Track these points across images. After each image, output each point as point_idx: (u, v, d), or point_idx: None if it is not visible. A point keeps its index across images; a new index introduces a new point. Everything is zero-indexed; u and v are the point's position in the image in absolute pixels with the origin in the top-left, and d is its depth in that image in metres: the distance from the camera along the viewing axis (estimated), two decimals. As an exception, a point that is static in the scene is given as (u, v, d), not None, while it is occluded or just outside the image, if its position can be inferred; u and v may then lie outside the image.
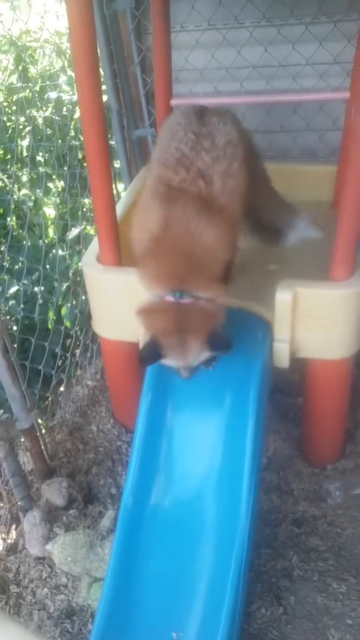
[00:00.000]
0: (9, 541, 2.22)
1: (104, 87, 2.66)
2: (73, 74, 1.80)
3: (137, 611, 1.62)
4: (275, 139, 3.06)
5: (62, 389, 2.84)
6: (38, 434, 2.27)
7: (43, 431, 2.42)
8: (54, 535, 2.08)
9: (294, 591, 1.90)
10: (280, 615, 1.83)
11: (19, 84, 3.20)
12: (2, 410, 2.15)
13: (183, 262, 1.58)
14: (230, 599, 1.57)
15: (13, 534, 2.24)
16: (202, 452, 1.80)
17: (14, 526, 2.25)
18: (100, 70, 2.53)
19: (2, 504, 2.26)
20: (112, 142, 2.96)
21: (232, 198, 1.70)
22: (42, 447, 2.31)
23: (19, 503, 2.21)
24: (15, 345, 2.23)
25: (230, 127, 1.80)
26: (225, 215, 1.66)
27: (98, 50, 1.77)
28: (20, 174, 3.37)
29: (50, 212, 3.38)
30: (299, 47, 2.74)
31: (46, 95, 3.23)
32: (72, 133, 3.25)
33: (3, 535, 2.23)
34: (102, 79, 2.57)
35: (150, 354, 1.59)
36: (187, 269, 1.58)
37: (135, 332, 2.03)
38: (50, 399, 2.75)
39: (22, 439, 2.30)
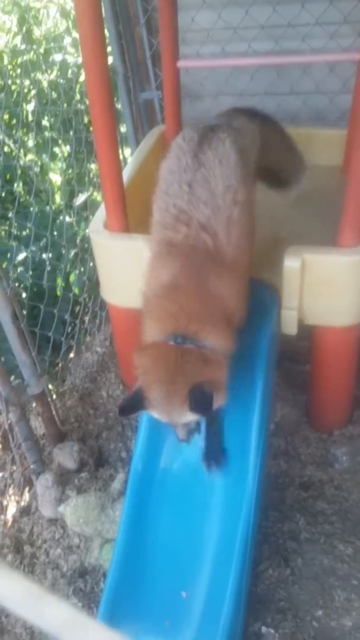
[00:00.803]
0: (22, 503, 2.27)
1: (109, 49, 2.61)
2: (78, 36, 1.76)
3: (147, 571, 1.66)
4: (285, 102, 3.00)
5: (71, 355, 2.87)
6: (49, 399, 2.31)
7: (54, 397, 2.46)
8: (66, 498, 2.12)
9: (301, 553, 1.94)
10: (288, 576, 1.88)
11: (23, 46, 3.14)
12: (13, 376, 2.18)
13: (191, 309, 1.46)
14: (238, 559, 1.61)
15: (26, 496, 2.29)
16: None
17: (27, 489, 2.30)
18: (106, 31, 2.48)
19: (15, 468, 2.31)
20: (118, 106, 2.91)
21: (240, 242, 1.59)
22: (53, 412, 2.35)
23: (31, 466, 2.25)
24: (25, 312, 2.25)
25: (229, 164, 1.61)
26: (235, 265, 1.57)
27: (103, 10, 1.73)
28: (26, 138, 3.33)
29: (56, 178, 3.36)
30: (308, 6, 2.66)
31: (51, 58, 3.18)
32: (78, 97, 3.20)
33: (17, 498, 2.29)
34: (107, 41, 2.52)
35: (132, 402, 1.42)
36: (196, 313, 1.46)
37: (144, 299, 2.03)
38: (60, 365, 2.78)
39: (34, 405, 2.34)
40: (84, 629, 0.28)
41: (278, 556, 1.94)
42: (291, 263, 1.85)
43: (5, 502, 2.25)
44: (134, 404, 1.41)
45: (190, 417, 1.39)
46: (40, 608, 0.28)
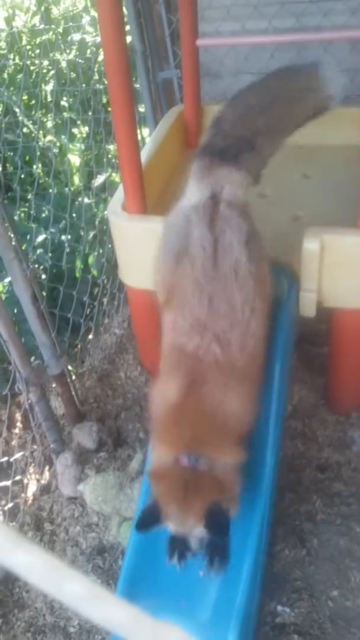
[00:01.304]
0: (42, 482, 2.31)
1: (127, 28, 2.58)
2: (96, 15, 1.75)
3: (164, 549, 1.69)
4: (306, 79, 2.95)
5: (90, 337, 2.89)
6: (68, 380, 2.33)
7: (73, 377, 2.48)
8: (85, 477, 2.16)
9: (317, 534, 1.95)
10: (304, 557, 1.90)
11: (42, 26, 3.13)
12: (33, 357, 2.20)
13: (203, 426, 1.43)
14: (255, 539, 1.62)
15: (46, 475, 2.33)
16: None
17: (47, 467, 2.34)
18: (124, 10, 2.45)
19: (35, 447, 2.34)
20: (137, 86, 2.89)
21: (254, 350, 1.52)
22: (73, 393, 2.38)
23: (51, 446, 2.29)
24: (45, 294, 2.27)
25: (249, 271, 1.55)
26: (246, 374, 1.49)
27: (122, -12, 1.71)
28: (44, 119, 3.33)
29: (75, 159, 3.36)
30: (331, -20, 2.60)
31: (69, 37, 3.16)
32: (96, 76, 3.19)
33: (37, 476, 2.33)
34: (125, 20, 2.49)
35: (149, 518, 1.40)
36: (207, 432, 1.43)
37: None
38: (79, 346, 2.80)
39: (54, 385, 2.37)
40: (102, 603, 0.28)
41: (294, 537, 1.95)
42: (310, 244, 1.83)
43: (25, 481, 2.29)
44: (151, 519, 1.40)
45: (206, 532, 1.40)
46: (59, 581, 0.29)
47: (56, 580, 0.28)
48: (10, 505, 2.16)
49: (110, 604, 0.28)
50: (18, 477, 2.26)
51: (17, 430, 2.48)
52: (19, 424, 2.51)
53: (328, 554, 1.89)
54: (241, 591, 1.57)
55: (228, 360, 1.46)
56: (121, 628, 0.27)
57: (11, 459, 2.27)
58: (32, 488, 2.30)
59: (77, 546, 2.06)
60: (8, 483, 2.17)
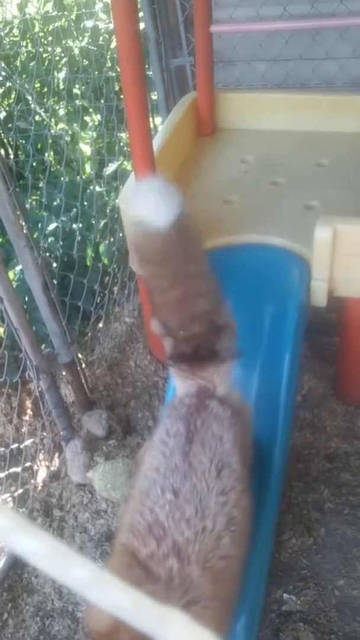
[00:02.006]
0: (52, 468, 2.33)
1: (140, 14, 2.56)
2: (109, 1, 1.74)
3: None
4: (320, 67, 2.92)
5: (100, 325, 2.90)
6: (78, 368, 2.34)
7: (83, 365, 2.50)
8: (95, 464, 2.17)
9: (324, 523, 1.95)
10: (311, 546, 1.90)
11: (55, 13, 3.11)
12: (44, 345, 2.22)
13: None
14: (263, 528, 1.63)
15: (56, 461, 2.35)
16: (237, 387, 1.83)
17: (56, 454, 2.36)
18: (137, -5, 2.43)
19: (45, 434, 2.36)
20: (149, 73, 2.87)
21: (223, 575, 1.18)
22: (83, 381, 2.39)
23: (61, 433, 2.30)
24: (55, 282, 2.27)
25: (229, 471, 1.28)
26: (210, 603, 1.13)
27: (135, -26, 1.70)
28: (56, 107, 3.32)
29: (86, 147, 3.35)
30: (347, -35, 2.56)
31: (82, 24, 3.14)
32: (109, 64, 3.17)
33: (47, 463, 2.35)
34: (138, 6, 2.47)
35: None
36: None
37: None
38: (89, 334, 2.81)
39: (64, 373, 2.38)
40: (107, 588, 0.29)
41: (302, 526, 1.95)
42: (322, 233, 1.82)
43: (35, 467, 2.31)
44: None
45: None
46: (65, 566, 0.29)
47: (62, 565, 0.29)
48: (20, 491, 2.19)
49: (116, 589, 0.28)
50: (28, 464, 2.28)
51: (27, 418, 2.50)
52: (29, 411, 2.53)
53: (335, 543, 1.90)
54: (249, 580, 1.58)
55: (186, 581, 1.13)
56: (126, 613, 0.27)
57: (21, 446, 2.29)
58: (41, 475, 2.32)
59: (86, 532, 2.08)
60: (18, 469, 2.19)
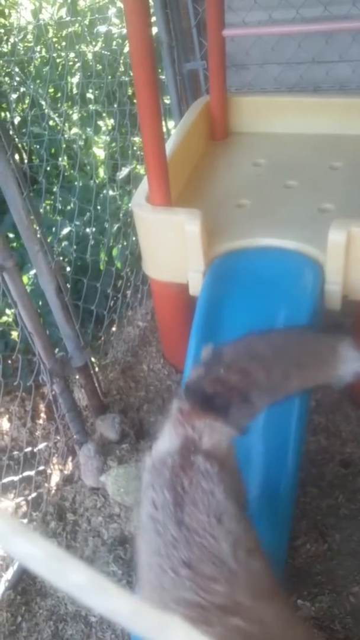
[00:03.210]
0: (65, 472, 2.33)
1: (153, 19, 2.57)
2: (122, 6, 1.74)
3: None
4: (333, 69, 2.91)
5: (114, 329, 2.90)
6: (92, 371, 2.35)
7: (96, 369, 2.50)
8: (108, 468, 2.17)
9: (339, 529, 1.93)
10: (325, 551, 1.88)
11: (68, 18, 3.13)
12: (57, 349, 2.22)
13: None
14: (278, 533, 1.62)
15: (69, 465, 2.35)
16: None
17: (70, 458, 2.36)
18: (150, 0, 2.44)
19: (58, 437, 2.37)
20: (162, 77, 2.88)
21: (268, 598, 1.11)
22: (96, 385, 2.39)
23: (74, 437, 2.31)
24: (69, 286, 2.28)
25: (228, 515, 1.20)
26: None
27: (147, -21, 1.70)
28: (70, 112, 3.34)
29: (100, 152, 3.36)
30: (361, -33, 2.55)
31: (95, 30, 3.16)
32: (122, 68, 3.18)
33: (60, 467, 2.35)
34: (151, 10, 2.48)
35: None
36: None
37: (184, 273, 2.03)
38: (102, 338, 2.81)
39: (77, 377, 2.39)
40: (105, 593, 0.28)
41: (316, 531, 1.94)
42: (336, 236, 1.81)
43: (49, 471, 2.32)
44: None
45: None
46: (63, 571, 0.29)
47: (60, 570, 0.29)
48: (33, 494, 2.19)
49: (114, 595, 0.28)
50: (41, 468, 2.28)
51: (41, 421, 2.51)
52: (42, 415, 2.53)
53: (350, 549, 1.88)
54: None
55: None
56: (124, 619, 0.27)
57: (35, 449, 2.29)
58: (55, 478, 2.32)
59: (99, 536, 2.08)
60: (32, 473, 2.19)
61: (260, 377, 1.40)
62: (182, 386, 1.46)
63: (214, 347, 1.46)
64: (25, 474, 2.20)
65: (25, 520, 2.16)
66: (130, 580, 1.91)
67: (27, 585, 2.00)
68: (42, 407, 2.53)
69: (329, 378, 1.49)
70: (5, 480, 2.15)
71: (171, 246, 2.04)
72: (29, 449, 2.28)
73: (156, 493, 1.24)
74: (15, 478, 2.17)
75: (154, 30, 2.64)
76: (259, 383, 1.40)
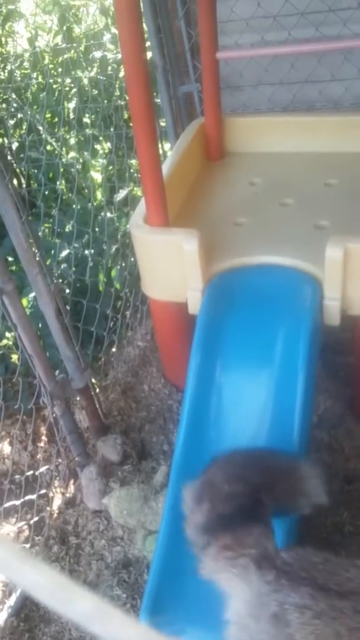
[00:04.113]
0: (67, 495, 2.32)
1: (148, 44, 2.61)
2: (117, 32, 1.77)
3: (190, 562, 1.67)
4: (326, 88, 2.95)
5: (114, 349, 2.90)
6: (92, 393, 2.34)
7: (97, 390, 2.50)
8: (110, 490, 2.16)
9: (345, 546, 1.92)
10: (332, 569, 1.86)
11: (64, 45, 3.18)
12: (57, 371, 2.22)
13: None
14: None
15: (71, 488, 2.34)
16: (252, 409, 1.81)
17: (72, 481, 2.35)
18: (144, 26, 2.48)
19: (60, 460, 2.35)
20: (158, 100, 2.92)
21: None
22: (97, 406, 2.39)
23: (76, 459, 2.29)
24: (68, 308, 2.29)
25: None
26: None
27: (141, 5, 1.73)
28: (67, 136, 3.38)
29: (97, 175, 3.40)
30: (350, -11, 2.60)
31: (91, 55, 3.21)
32: (118, 93, 3.22)
33: (62, 490, 2.33)
34: (146, 36, 2.52)
35: None
36: None
37: (183, 292, 2.04)
38: (102, 359, 2.81)
39: (78, 398, 2.38)
40: (111, 621, 0.28)
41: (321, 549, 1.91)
42: (334, 253, 1.82)
43: (51, 494, 2.30)
44: None
45: None
46: (68, 599, 0.29)
47: (65, 598, 0.28)
48: (36, 519, 2.17)
49: (119, 622, 0.28)
50: (43, 491, 2.27)
51: (42, 444, 2.50)
52: (44, 438, 2.52)
53: (357, 568, 1.85)
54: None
55: None
56: (131, 646, 0.27)
57: (36, 473, 2.28)
58: (57, 501, 2.30)
59: (103, 560, 2.06)
60: (33, 497, 2.18)
61: (257, 479, 1.34)
62: (199, 534, 1.32)
63: (191, 485, 1.39)
64: (27, 497, 2.18)
65: (28, 545, 2.14)
66: (135, 604, 1.89)
67: (30, 611, 1.97)
68: (43, 429, 2.52)
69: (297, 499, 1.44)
70: (7, 505, 2.13)
71: (169, 266, 2.05)
72: (31, 472, 2.27)
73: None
74: (17, 502, 2.15)
75: (149, 54, 2.68)
76: (260, 484, 1.34)
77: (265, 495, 1.32)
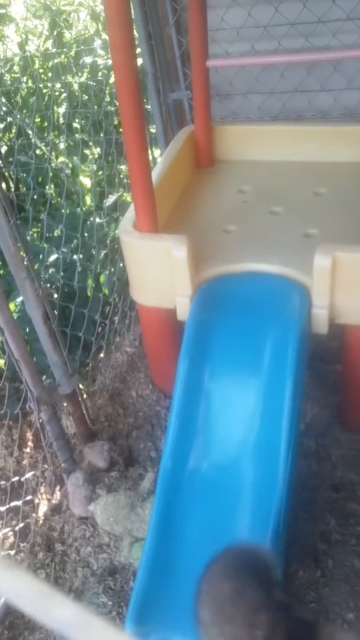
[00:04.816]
0: (53, 501, 2.30)
1: (138, 51, 2.62)
2: (108, 38, 1.77)
3: (177, 570, 1.67)
4: (316, 98, 2.97)
5: (101, 355, 2.89)
6: (80, 398, 2.33)
7: (84, 396, 2.48)
8: (97, 496, 2.14)
9: (332, 554, 1.92)
10: (318, 578, 1.86)
11: (54, 50, 3.18)
12: (45, 376, 2.21)
13: None
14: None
15: (57, 494, 2.32)
16: (240, 416, 1.81)
17: (58, 487, 2.33)
18: (135, 32, 2.49)
19: (46, 466, 2.34)
20: (148, 107, 2.92)
21: None
22: (84, 412, 2.37)
23: (62, 465, 2.28)
24: (56, 313, 2.28)
25: None
26: None
27: (132, 12, 1.73)
28: (57, 141, 3.38)
29: (87, 180, 3.39)
30: (339, 1, 2.62)
31: (81, 61, 3.21)
32: (108, 98, 3.23)
33: (48, 496, 2.32)
34: (136, 42, 2.53)
35: None
36: None
37: (172, 299, 2.04)
38: (90, 365, 2.80)
39: (65, 404, 2.37)
40: (91, 629, 0.28)
41: (308, 558, 1.92)
42: (322, 261, 1.83)
43: (37, 501, 2.28)
44: None
45: None
46: (48, 607, 0.28)
47: (45, 606, 0.28)
48: (21, 525, 2.15)
49: (99, 630, 0.27)
50: (29, 497, 2.25)
51: (28, 450, 2.48)
52: (30, 443, 2.50)
53: (343, 575, 1.86)
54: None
55: None
56: (113, 655, 0.27)
57: (22, 479, 2.26)
58: (43, 508, 2.28)
59: (88, 567, 2.04)
60: (19, 503, 2.16)
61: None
62: None
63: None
64: (13, 504, 2.16)
65: (13, 552, 2.12)
66: (121, 612, 1.87)
67: (14, 618, 1.95)
68: (29, 435, 2.50)
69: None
70: (-8, 511, 2.11)
71: (158, 272, 2.05)
72: (16, 478, 2.24)
73: None
74: (2, 508, 2.13)
75: (139, 61, 2.69)
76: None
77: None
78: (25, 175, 3.14)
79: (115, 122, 3.11)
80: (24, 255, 1.87)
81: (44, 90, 3.31)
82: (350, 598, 1.79)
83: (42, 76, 3.41)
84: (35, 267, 2.32)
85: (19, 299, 2.48)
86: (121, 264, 2.86)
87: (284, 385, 1.75)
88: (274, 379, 1.79)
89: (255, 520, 1.70)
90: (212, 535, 1.70)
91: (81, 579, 2.01)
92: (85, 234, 2.91)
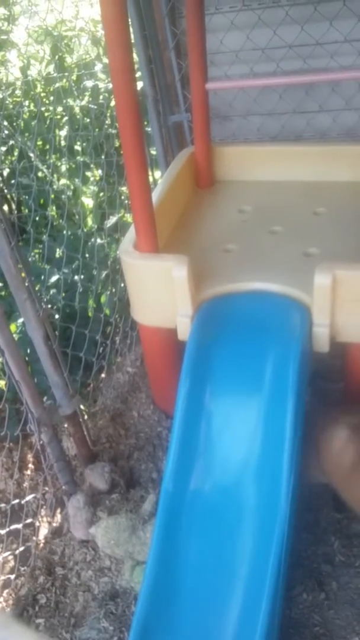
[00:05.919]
0: (54, 524, 2.27)
1: (138, 74, 2.65)
2: (108, 62, 1.80)
3: (178, 594, 1.64)
4: (314, 119, 3.00)
5: (103, 375, 2.89)
6: (81, 419, 2.31)
7: (85, 417, 2.47)
8: (98, 519, 2.12)
9: (335, 577, 1.89)
10: (322, 601, 1.83)
11: (56, 74, 3.23)
12: (45, 397, 2.20)
13: None
14: (271, 583, 1.57)
15: (58, 517, 2.30)
16: (241, 436, 1.80)
17: (58, 510, 2.31)
18: (135, 56, 2.52)
19: (47, 488, 2.32)
20: (148, 129, 2.95)
21: None
22: (85, 433, 2.36)
23: (63, 487, 2.26)
24: (57, 333, 2.28)
25: None
26: None
27: (132, 36, 1.76)
28: (58, 164, 3.41)
29: (88, 201, 3.42)
30: (336, 23, 2.66)
31: (82, 84, 3.25)
32: (109, 121, 3.26)
33: (48, 519, 2.29)
34: (137, 66, 2.56)
35: None
36: None
37: (172, 318, 2.03)
38: (91, 385, 2.79)
39: (66, 425, 2.35)
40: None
41: (312, 580, 1.89)
42: (322, 280, 1.83)
43: (37, 524, 2.26)
44: None
45: None
46: (7, 637, 0.27)
47: (3, 636, 0.27)
48: (21, 548, 2.13)
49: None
50: (29, 520, 2.22)
51: (28, 472, 2.46)
52: (30, 465, 2.49)
53: (348, 597, 1.83)
54: (258, 637, 1.52)
55: None
56: None
57: (23, 501, 2.24)
58: (43, 531, 2.26)
59: (89, 591, 2.01)
60: (19, 526, 2.14)
61: None
62: None
63: None
64: (13, 527, 2.14)
65: (13, 576, 2.09)
66: (122, 637, 1.84)
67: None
68: (30, 457, 2.48)
69: None
70: (-8, 534, 2.09)
71: (159, 292, 2.05)
72: (17, 501, 2.22)
73: None
74: (2, 531, 2.11)
75: (140, 84, 2.72)
76: None
77: None
78: (26, 197, 3.16)
79: (116, 145, 3.14)
80: (25, 276, 1.88)
81: (46, 114, 3.35)
82: (355, 621, 1.76)
83: (44, 100, 3.45)
84: (37, 288, 2.33)
85: (20, 320, 2.48)
86: (122, 284, 2.86)
87: (285, 404, 1.74)
88: (276, 398, 1.78)
89: (258, 542, 1.67)
90: (214, 559, 1.68)
91: (82, 603, 1.98)
92: (87, 255, 2.92)
